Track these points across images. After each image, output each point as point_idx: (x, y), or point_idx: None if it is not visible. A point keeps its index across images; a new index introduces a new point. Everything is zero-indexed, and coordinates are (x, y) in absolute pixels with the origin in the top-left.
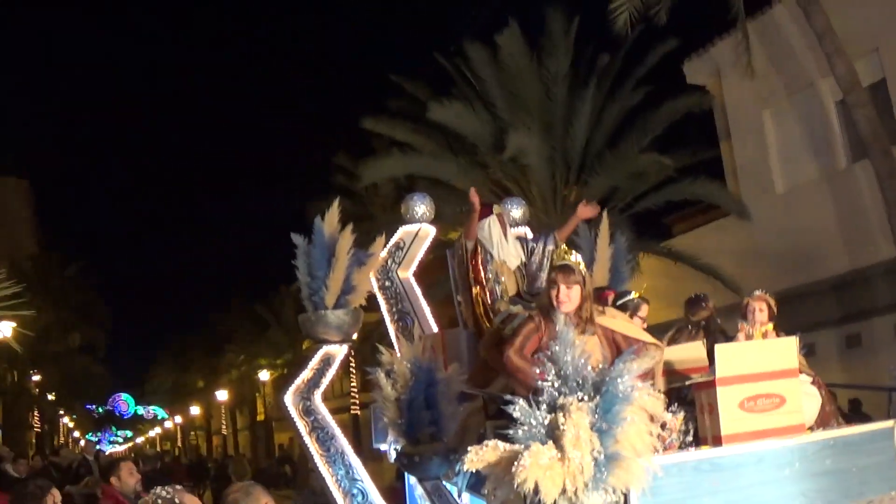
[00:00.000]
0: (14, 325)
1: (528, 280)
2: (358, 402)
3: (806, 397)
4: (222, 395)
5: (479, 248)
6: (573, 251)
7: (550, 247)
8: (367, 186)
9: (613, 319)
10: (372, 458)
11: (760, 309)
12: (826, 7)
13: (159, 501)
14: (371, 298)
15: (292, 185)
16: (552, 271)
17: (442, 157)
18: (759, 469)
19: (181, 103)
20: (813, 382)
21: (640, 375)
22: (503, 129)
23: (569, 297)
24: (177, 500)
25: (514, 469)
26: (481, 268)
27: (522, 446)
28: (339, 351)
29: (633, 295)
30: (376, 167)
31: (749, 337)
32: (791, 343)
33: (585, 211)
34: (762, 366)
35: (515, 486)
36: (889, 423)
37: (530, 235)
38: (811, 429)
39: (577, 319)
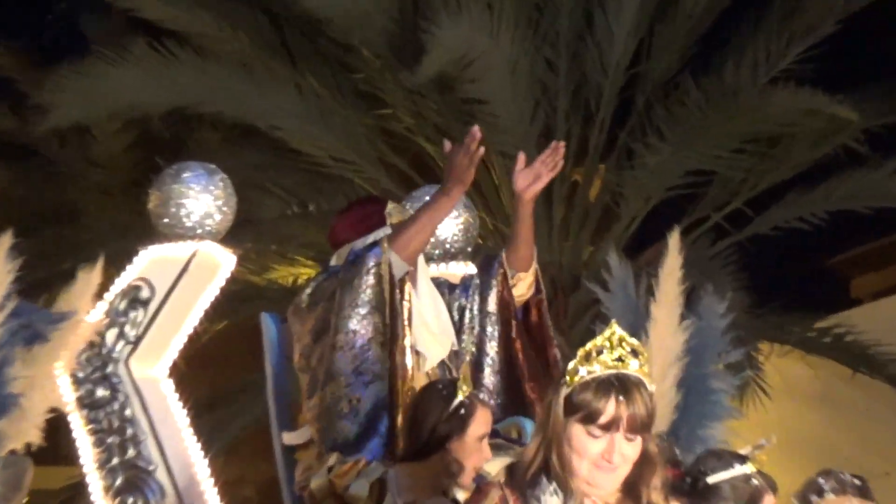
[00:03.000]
0: None
1: None
2: None
3: None
4: None
5: (412, 289)
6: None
7: (491, 302)
8: (58, 134)
9: None
10: None
11: None
12: None
13: None
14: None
15: None
16: (590, 387)
17: (263, 71)
18: None
19: None
20: None
21: None
22: (418, 10)
23: (624, 458)
24: None
25: None
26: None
27: None
28: None
29: (748, 467)
30: (85, 90)
31: None
32: None
33: (530, 180)
34: None
35: None
36: None
37: (471, 271)
38: None
39: None
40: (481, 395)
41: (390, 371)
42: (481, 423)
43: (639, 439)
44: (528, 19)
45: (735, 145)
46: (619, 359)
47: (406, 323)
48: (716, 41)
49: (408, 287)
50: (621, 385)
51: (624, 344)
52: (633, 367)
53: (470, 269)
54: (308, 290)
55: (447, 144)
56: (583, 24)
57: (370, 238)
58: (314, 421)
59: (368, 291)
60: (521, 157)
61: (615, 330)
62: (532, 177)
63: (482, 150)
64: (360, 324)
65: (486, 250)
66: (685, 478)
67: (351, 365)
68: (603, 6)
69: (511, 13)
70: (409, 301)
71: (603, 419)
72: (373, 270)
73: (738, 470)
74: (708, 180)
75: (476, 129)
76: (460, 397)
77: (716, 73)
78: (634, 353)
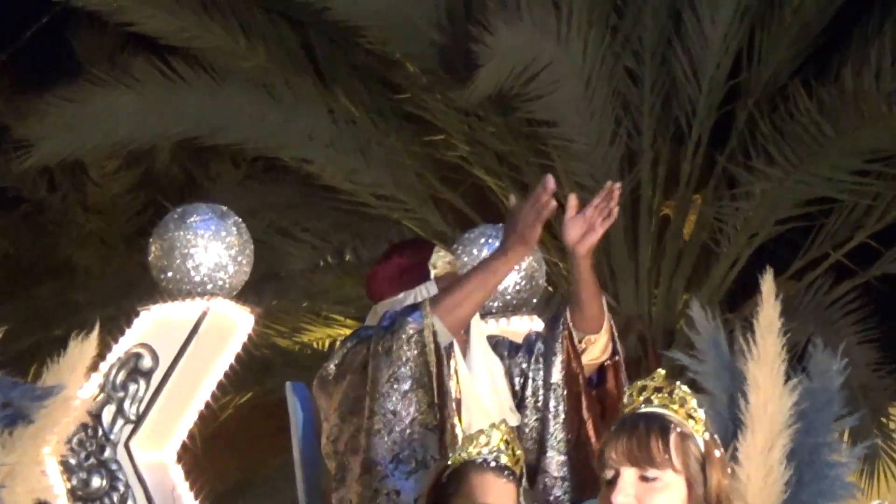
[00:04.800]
0: None
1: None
2: None
3: None
4: None
5: (457, 364)
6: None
7: (556, 372)
8: (46, 174)
9: None
10: None
11: None
12: None
13: None
14: None
15: None
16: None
17: (288, 93)
18: None
19: None
20: None
21: None
22: (471, 15)
23: (639, 501)
24: None
25: None
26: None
27: None
28: None
29: None
30: (77, 121)
31: None
32: None
33: (583, 231)
34: None
35: None
36: None
37: (538, 328)
38: None
39: None
40: (491, 462)
41: (440, 455)
42: (482, 493)
43: (667, 479)
44: (605, 21)
45: (858, 166)
46: (647, 400)
47: (454, 405)
48: (832, 42)
49: (453, 363)
50: (629, 421)
51: (649, 386)
52: (653, 405)
53: (536, 324)
54: (335, 360)
55: (512, 200)
56: (671, 26)
57: (410, 296)
58: None
59: (410, 364)
60: (573, 202)
61: (657, 374)
62: (585, 226)
63: (553, 204)
64: (400, 403)
65: (558, 302)
66: None
67: (390, 452)
68: (694, 3)
69: (584, 14)
70: (457, 379)
71: (608, 459)
72: (414, 339)
73: None
74: (826, 210)
75: (550, 179)
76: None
77: (833, 81)
78: (658, 389)
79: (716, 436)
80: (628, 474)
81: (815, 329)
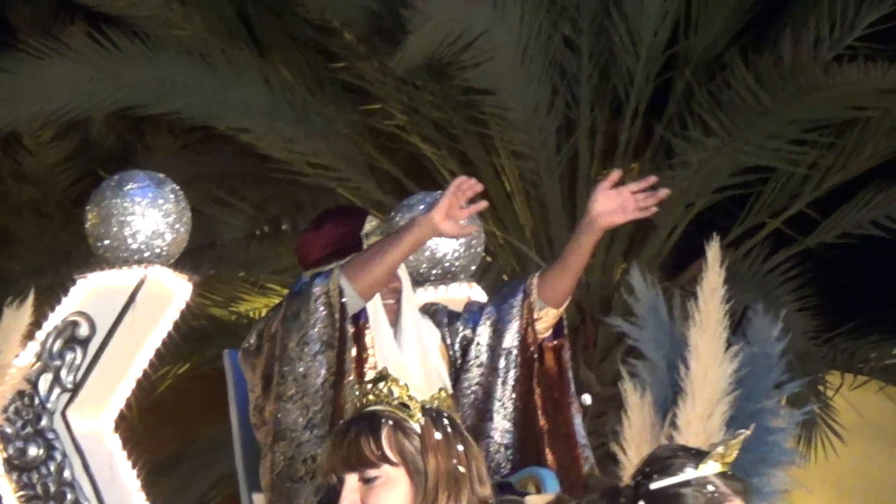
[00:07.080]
0: None
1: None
2: None
3: None
4: None
5: (367, 329)
6: None
7: (508, 338)
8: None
9: None
10: None
11: None
12: None
13: None
14: None
15: None
16: None
17: (224, 62)
18: None
19: None
20: None
21: None
22: None
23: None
24: None
25: None
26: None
27: None
28: None
29: (707, 469)
30: (11, 91)
31: None
32: None
33: (612, 207)
34: None
35: None
36: None
37: (476, 295)
38: None
39: None
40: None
41: (332, 417)
42: None
43: (386, 474)
44: None
45: (795, 135)
46: (364, 403)
47: (353, 364)
48: (769, 11)
49: (369, 335)
50: (342, 428)
51: (364, 387)
52: (368, 405)
53: (475, 291)
54: (256, 330)
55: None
56: None
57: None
58: (267, 490)
59: (319, 325)
60: (616, 174)
61: (374, 375)
62: (617, 203)
63: (463, 202)
64: (310, 366)
65: (496, 272)
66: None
67: (303, 417)
68: None
69: None
70: (372, 346)
71: (331, 470)
72: (321, 299)
73: (691, 473)
74: (763, 179)
75: (470, 183)
76: None
77: (770, 50)
78: (371, 388)
79: (445, 419)
80: (350, 480)
81: (753, 297)
